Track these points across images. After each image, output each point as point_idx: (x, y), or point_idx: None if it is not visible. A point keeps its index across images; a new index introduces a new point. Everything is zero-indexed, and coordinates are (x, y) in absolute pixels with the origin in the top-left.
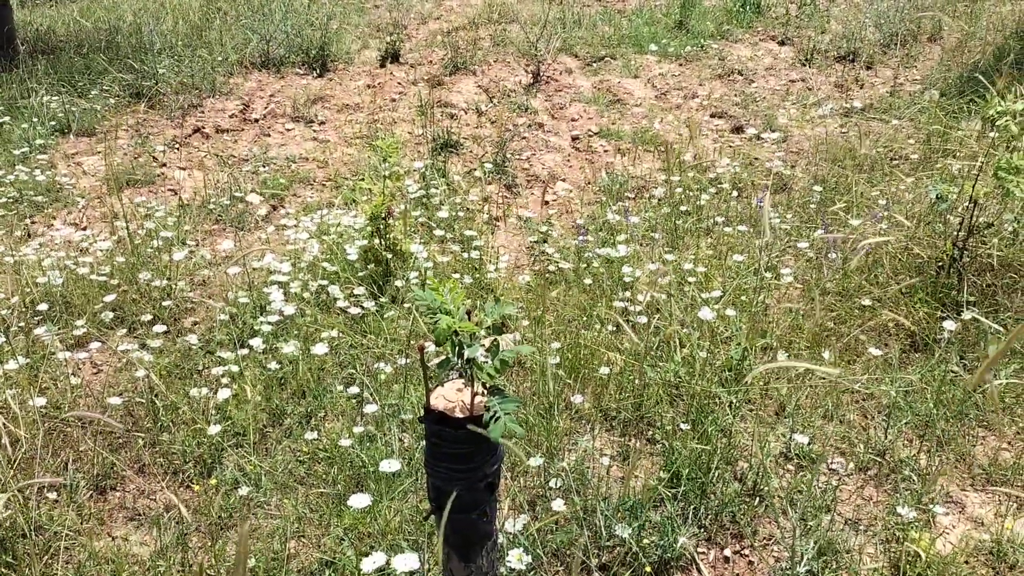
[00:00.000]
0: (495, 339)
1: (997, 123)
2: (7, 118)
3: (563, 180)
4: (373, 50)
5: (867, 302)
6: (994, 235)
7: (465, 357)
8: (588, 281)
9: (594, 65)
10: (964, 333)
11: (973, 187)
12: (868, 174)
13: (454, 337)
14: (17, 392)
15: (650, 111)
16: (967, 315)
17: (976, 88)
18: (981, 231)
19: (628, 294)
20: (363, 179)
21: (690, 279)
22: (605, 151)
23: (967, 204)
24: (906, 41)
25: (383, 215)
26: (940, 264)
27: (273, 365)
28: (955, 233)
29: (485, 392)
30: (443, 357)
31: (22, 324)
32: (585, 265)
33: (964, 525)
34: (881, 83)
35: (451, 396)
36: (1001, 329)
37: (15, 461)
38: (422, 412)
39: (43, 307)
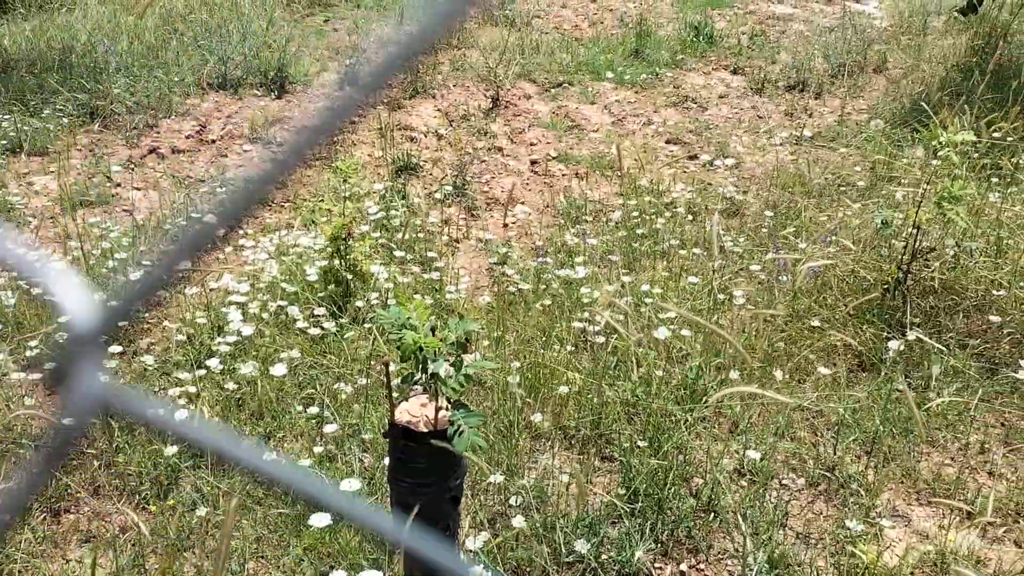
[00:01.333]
0: (459, 355)
1: (939, 153)
2: None
3: (522, 203)
4: (332, 72)
5: (816, 323)
6: (936, 259)
7: (429, 372)
8: (547, 302)
9: (552, 91)
10: (909, 353)
11: (916, 214)
12: (817, 200)
13: (418, 353)
14: None
15: (607, 137)
16: (911, 335)
17: (919, 118)
18: (924, 255)
19: (587, 314)
20: (323, 200)
21: (647, 300)
22: (563, 175)
23: (911, 230)
24: (853, 72)
25: (343, 236)
26: (885, 287)
27: (231, 386)
28: (899, 257)
29: (449, 407)
30: (407, 372)
31: None
32: (544, 286)
33: (910, 538)
34: (829, 112)
35: (415, 411)
36: (944, 349)
37: None
38: (385, 428)
39: None
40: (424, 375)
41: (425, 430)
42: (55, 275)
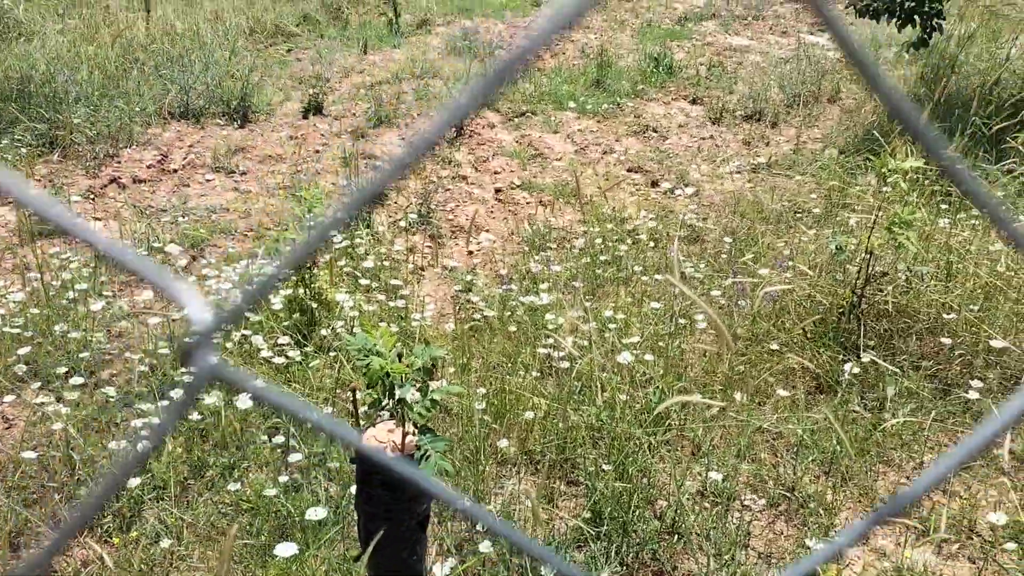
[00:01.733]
0: (425, 381)
1: (889, 180)
2: None
3: (487, 231)
4: (295, 102)
5: (775, 347)
6: (889, 283)
7: (396, 397)
8: (512, 328)
9: (516, 120)
10: (864, 375)
11: (868, 239)
12: (774, 227)
13: (385, 379)
14: None
15: (570, 165)
16: (866, 358)
17: (871, 147)
18: (877, 280)
19: (551, 340)
20: (287, 229)
21: (610, 325)
22: (527, 203)
23: (864, 255)
24: (808, 102)
25: (308, 264)
26: (841, 311)
27: (195, 416)
28: (853, 282)
29: (416, 432)
30: (374, 398)
31: None
32: (509, 313)
33: (868, 556)
34: (785, 141)
35: (382, 436)
36: (898, 371)
37: None
38: (350, 460)
39: None
40: (391, 401)
41: (392, 455)
42: (172, 281)
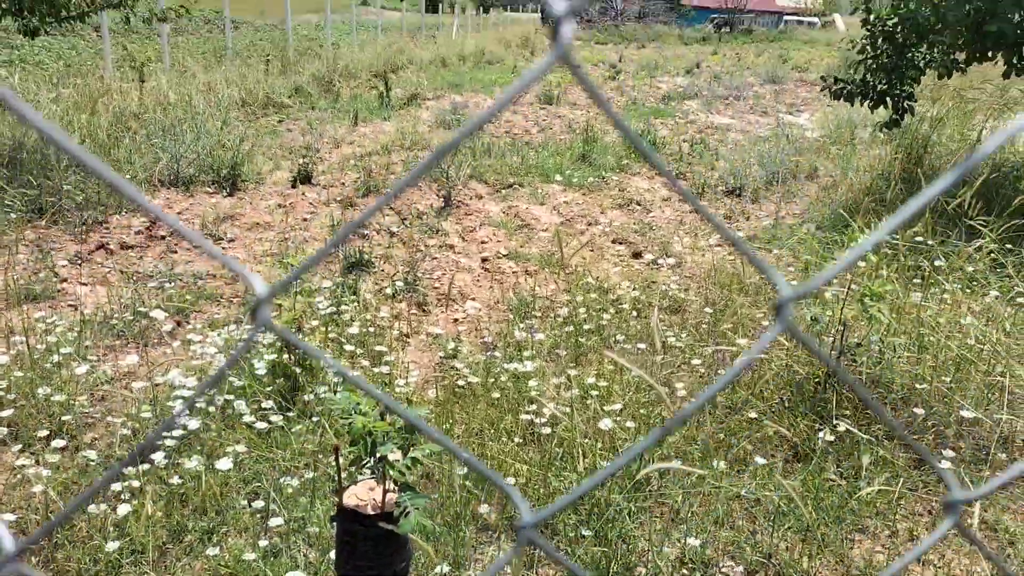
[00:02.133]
0: (407, 439)
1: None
2: None
3: (473, 299)
4: (285, 171)
5: (753, 415)
6: (863, 354)
7: (378, 455)
8: (496, 395)
9: (503, 192)
10: (840, 444)
11: (842, 311)
12: (753, 298)
13: (368, 437)
14: None
15: (555, 236)
16: (842, 427)
17: (847, 222)
18: (851, 350)
19: (534, 407)
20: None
21: (592, 392)
22: (513, 272)
23: (838, 326)
24: (786, 179)
25: (293, 330)
26: (817, 381)
27: (175, 480)
28: (829, 352)
29: (396, 490)
30: (356, 455)
31: None
32: (493, 380)
33: None
34: (765, 216)
35: (363, 495)
36: (872, 440)
37: None
38: (331, 519)
39: None
40: (373, 459)
41: (372, 512)
42: (235, 262)
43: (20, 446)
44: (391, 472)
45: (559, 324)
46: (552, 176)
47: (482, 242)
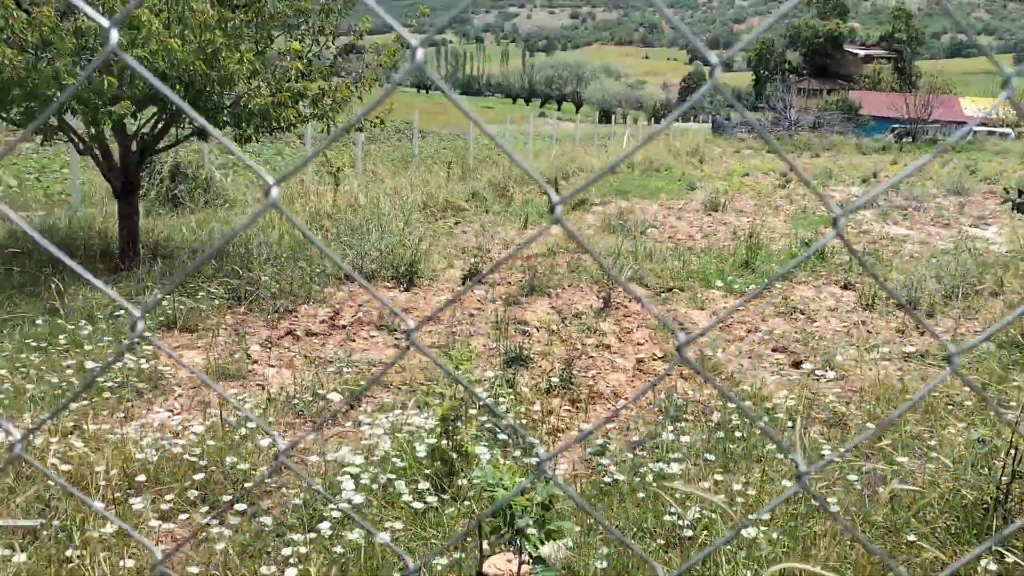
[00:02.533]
0: (543, 515)
1: None
2: (122, 311)
3: (625, 398)
4: (457, 269)
5: (912, 538)
6: None
7: (516, 527)
8: (640, 494)
9: (662, 295)
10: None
11: (1013, 434)
12: (921, 416)
13: (507, 510)
14: (108, 555)
15: (713, 341)
16: (1010, 559)
17: None
18: None
19: (678, 510)
20: (436, 383)
21: (739, 499)
22: (668, 375)
23: (1010, 450)
24: (967, 294)
25: (452, 418)
26: (985, 507)
27: (338, 550)
28: (999, 477)
29: (531, 562)
30: (495, 525)
31: (118, 494)
32: (639, 479)
33: None
34: (942, 332)
35: (501, 565)
36: None
37: None
38: None
39: (141, 478)
40: (511, 530)
41: None
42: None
43: (207, 507)
44: (527, 545)
45: (710, 428)
46: (713, 282)
47: (638, 344)
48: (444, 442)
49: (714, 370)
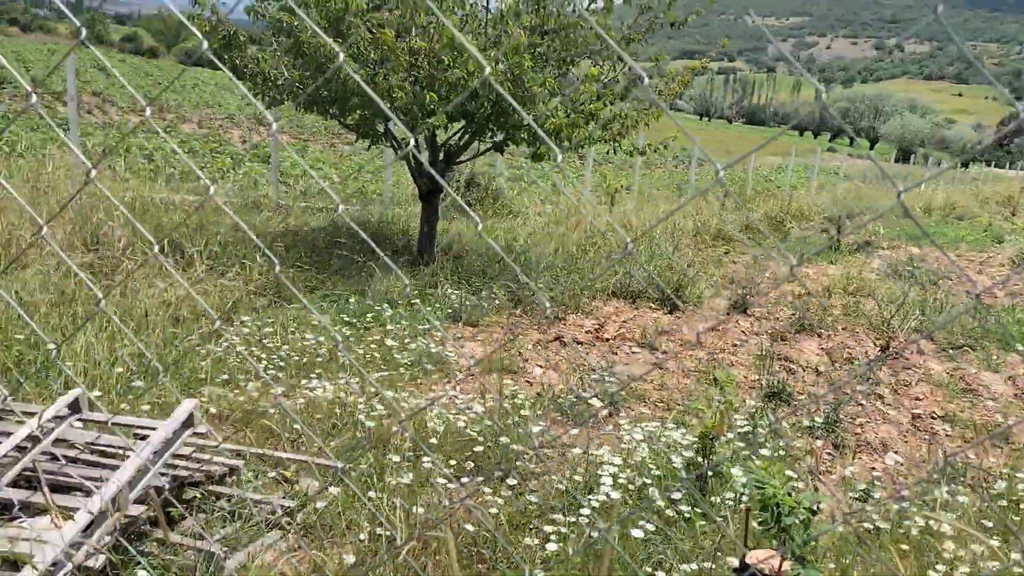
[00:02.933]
0: (808, 516)
1: None
2: (417, 300)
3: (895, 452)
4: (723, 299)
5: None
6: None
7: (781, 524)
8: (904, 547)
9: (950, 352)
10: None
11: None
12: None
13: (775, 507)
14: (402, 502)
15: (1006, 407)
16: None
17: None
18: None
19: (944, 568)
20: (696, 401)
21: (1016, 570)
22: (947, 436)
23: None
24: None
25: (712, 436)
26: None
27: (594, 535)
28: None
29: (792, 560)
30: (762, 519)
31: (410, 455)
32: (903, 530)
33: None
34: None
35: (761, 557)
36: None
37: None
38: (734, 571)
39: (433, 441)
40: (776, 527)
41: (768, 575)
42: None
43: (481, 478)
44: (790, 543)
45: (992, 496)
46: (1014, 344)
47: (916, 399)
48: (700, 459)
49: (1005, 439)
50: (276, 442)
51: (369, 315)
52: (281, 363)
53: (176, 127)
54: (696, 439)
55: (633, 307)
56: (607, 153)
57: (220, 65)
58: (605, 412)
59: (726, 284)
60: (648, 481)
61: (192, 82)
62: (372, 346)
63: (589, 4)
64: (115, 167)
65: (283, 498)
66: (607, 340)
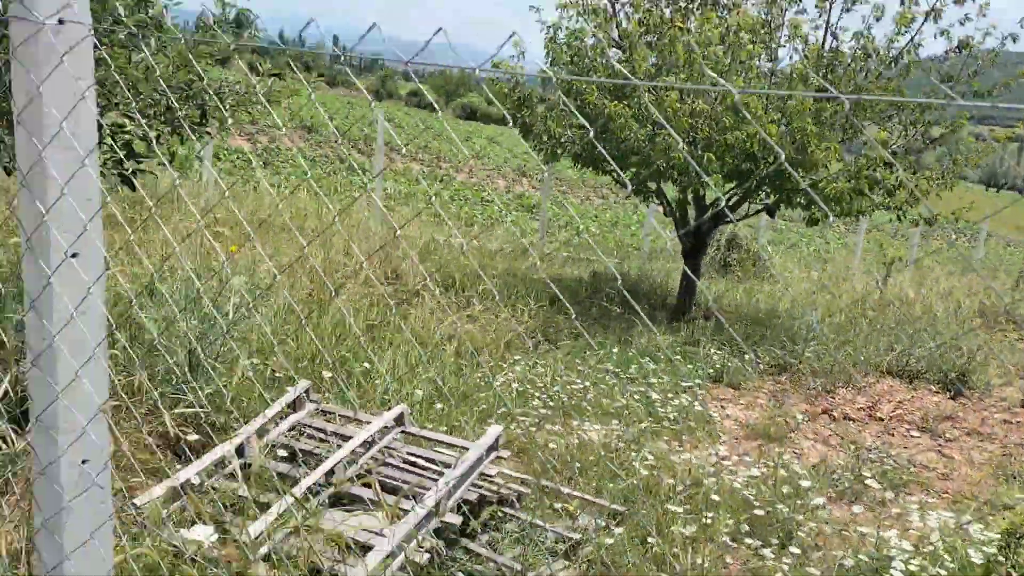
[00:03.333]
0: None
1: None
2: (679, 356)
3: None
4: (1017, 390)
5: None
6: None
7: None
8: None
9: None
10: None
11: None
12: None
13: None
14: (683, 552)
15: None
16: None
17: None
18: None
19: None
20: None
21: None
22: None
23: None
24: None
25: (1019, 535)
26: None
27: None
28: None
29: None
30: None
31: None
32: None
33: None
34: None
35: None
36: None
37: None
38: None
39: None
40: None
41: None
42: None
43: (759, 543)
44: None
45: None
46: None
47: None
48: (1001, 560)
49: None
50: (549, 476)
51: (632, 367)
52: (551, 402)
53: (451, 176)
54: (998, 535)
55: (911, 387)
56: (889, 221)
57: (511, 121)
58: (888, 495)
59: (1020, 373)
60: (943, 573)
61: (464, 135)
62: (635, 397)
63: (881, 70)
64: (412, 208)
65: (567, 530)
66: (881, 420)
